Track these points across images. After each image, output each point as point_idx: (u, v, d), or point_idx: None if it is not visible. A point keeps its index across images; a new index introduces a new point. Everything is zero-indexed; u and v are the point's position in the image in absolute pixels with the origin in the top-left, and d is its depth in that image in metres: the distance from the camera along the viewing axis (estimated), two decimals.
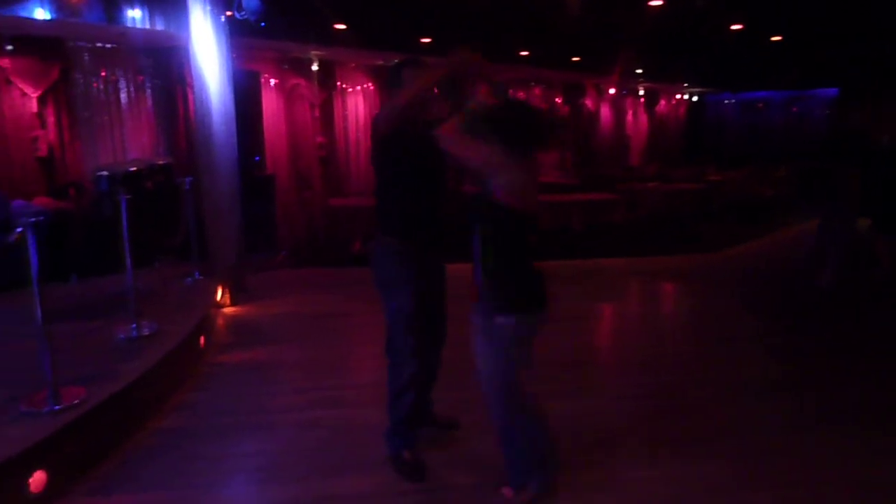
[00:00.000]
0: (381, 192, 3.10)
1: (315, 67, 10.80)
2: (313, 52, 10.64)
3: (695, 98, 20.57)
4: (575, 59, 15.70)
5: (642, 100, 18.56)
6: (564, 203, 9.92)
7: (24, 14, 7.16)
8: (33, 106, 7.51)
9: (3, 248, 3.38)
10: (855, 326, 5.67)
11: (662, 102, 19.60)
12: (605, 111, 17.33)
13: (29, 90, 7.47)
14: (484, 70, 2.89)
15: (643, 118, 18.88)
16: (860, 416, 3.91)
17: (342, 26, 11.02)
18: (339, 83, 11.41)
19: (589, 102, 16.79)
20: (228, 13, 6.67)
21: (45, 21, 7.24)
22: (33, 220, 3.25)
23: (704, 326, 5.95)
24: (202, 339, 5.05)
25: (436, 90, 2.99)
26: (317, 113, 11.17)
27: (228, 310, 6.24)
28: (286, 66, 10.56)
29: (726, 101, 21.15)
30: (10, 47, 7.23)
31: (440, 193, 3.15)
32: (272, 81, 10.28)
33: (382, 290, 3.12)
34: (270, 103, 10.17)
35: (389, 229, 3.08)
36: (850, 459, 3.40)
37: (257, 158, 8.51)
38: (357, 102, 11.81)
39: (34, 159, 7.56)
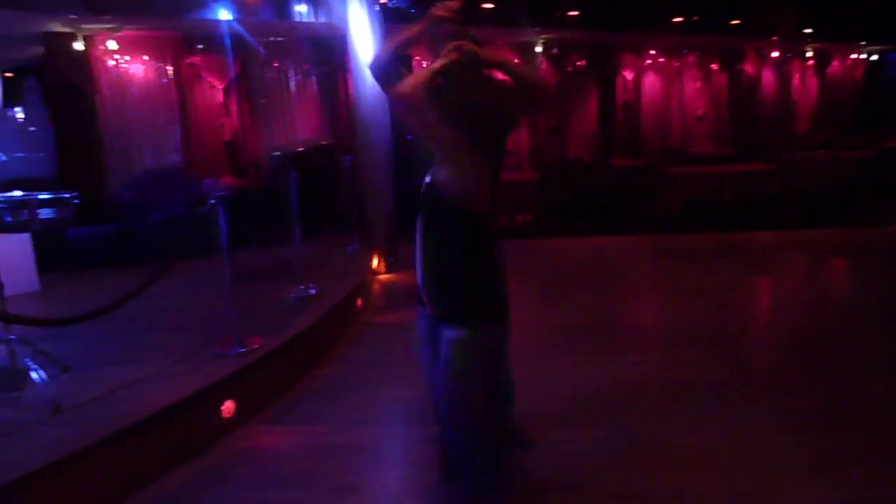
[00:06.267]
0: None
1: None
2: None
3: (874, 57, 18.55)
4: (734, 22, 14.88)
5: (811, 62, 17.09)
6: (713, 174, 9.58)
7: (210, 17, 8.17)
8: (219, 96, 8.56)
9: (197, 220, 4.09)
10: None
11: (835, 64, 17.93)
12: (768, 76, 16.19)
13: (216, 83, 8.51)
14: (454, 25, 2.53)
15: (812, 82, 17.37)
16: None
17: (489, 5, 11.32)
18: None
19: (748, 68, 15.82)
20: (382, 2, 7.22)
21: (227, 21, 8.20)
22: (222, 193, 3.92)
23: (858, 303, 5.69)
24: (359, 301, 5.67)
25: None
26: None
27: (383, 276, 6.87)
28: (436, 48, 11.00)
29: None
30: (200, 46, 8.27)
31: None
32: (423, 63, 10.80)
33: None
34: None
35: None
36: None
37: (409, 137, 8.98)
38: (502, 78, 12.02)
39: (221, 143, 8.64)
